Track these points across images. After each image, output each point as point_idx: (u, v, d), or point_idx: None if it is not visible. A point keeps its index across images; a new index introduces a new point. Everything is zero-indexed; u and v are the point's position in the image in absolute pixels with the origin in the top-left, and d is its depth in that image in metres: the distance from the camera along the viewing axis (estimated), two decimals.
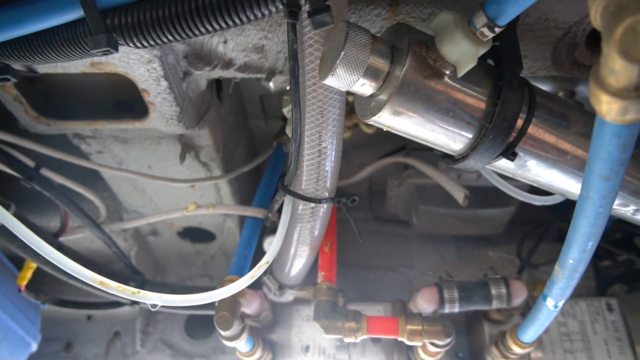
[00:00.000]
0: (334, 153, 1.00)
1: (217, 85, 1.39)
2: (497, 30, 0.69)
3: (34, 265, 1.35)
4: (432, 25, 0.74)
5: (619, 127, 0.52)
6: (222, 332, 1.17)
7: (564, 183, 0.90)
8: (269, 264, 1.12)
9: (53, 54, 0.80)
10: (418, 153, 1.68)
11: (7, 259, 1.57)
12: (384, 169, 1.67)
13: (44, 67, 1.04)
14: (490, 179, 1.31)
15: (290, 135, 1.24)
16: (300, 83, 0.87)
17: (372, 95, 0.79)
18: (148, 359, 1.96)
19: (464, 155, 0.85)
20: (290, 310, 1.57)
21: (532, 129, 0.82)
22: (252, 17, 0.68)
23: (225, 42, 1.03)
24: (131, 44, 0.74)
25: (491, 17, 0.67)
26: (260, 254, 1.30)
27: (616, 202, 0.88)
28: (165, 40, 0.73)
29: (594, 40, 1.00)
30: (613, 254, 1.76)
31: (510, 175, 0.93)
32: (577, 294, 1.34)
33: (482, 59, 0.76)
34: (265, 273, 1.29)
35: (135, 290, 0.97)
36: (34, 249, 0.94)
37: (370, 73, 0.75)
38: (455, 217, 1.80)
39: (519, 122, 0.80)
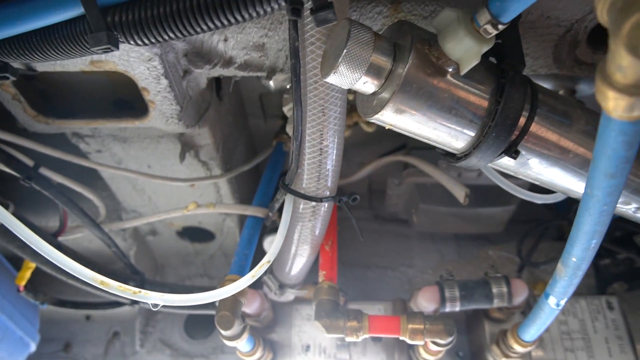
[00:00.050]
0: (335, 151, 1.00)
1: (217, 83, 1.38)
2: (500, 27, 0.68)
3: (32, 265, 1.34)
4: (435, 22, 0.73)
5: (625, 124, 0.52)
6: (223, 332, 1.16)
7: (566, 181, 0.90)
8: (270, 263, 1.12)
9: (52, 52, 0.80)
10: (418, 152, 1.68)
11: (5, 259, 1.56)
12: (383, 167, 1.67)
13: (42, 66, 1.04)
14: (491, 177, 1.31)
15: (290, 134, 1.24)
16: (301, 81, 0.86)
17: (374, 93, 0.79)
18: (147, 359, 1.95)
19: (466, 154, 0.84)
20: (291, 309, 1.56)
21: (534, 127, 0.82)
22: (254, 14, 0.68)
23: (225, 40, 1.03)
24: (132, 42, 0.74)
25: (495, 14, 0.67)
26: (259, 253, 1.30)
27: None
28: (167, 37, 0.73)
29: (595, 38, 1.00)
30: (613, 252, 1.76)
31: (512, 174, 0.93)
32: (577, 292, 1.34)
33: (484, 56, 0.76)
34: (265, 272, 1.28)
35: (137, 289, 0.96)
36: (34, 248, 0.93)
37: (373, 71, 0.74)
38: (456, 216, 1.79)
39: (522, 120, 0.80)
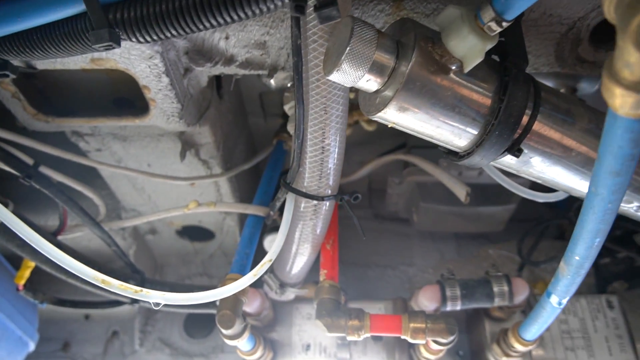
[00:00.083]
0: (337, 150, 0.99)
1: (217, 82, 1.38)
2: (504, 24, 0.68)
3: (32, 264, 1.33)
4: (438, 20, 0.73)
5: (632, 121, 0.52)
6: (224, 331, 1.16)
7: (568, 180, 0.90)
8: (272, 261, 1.11)
9: (53, 49, 0.79)
10: (419, 150, 1.67)
11: (4, 258, 1.55)
12: (383, 166, 1.67)
13: (43, 63, 1.03)
14: (493, 176, 1.31)
15: (292, 132, 1.24)
16: (303, 79, 0.86)
17: (377, 91, 0.78)
18: (147, 359, 1.95)
19: (469, 152, 0.84)
20: (291, 308, 1.56)
21: (537, 126, 0.82)
22: (257, 11, 0.67)
23: (227, 38, 1.02)
24: (134, 39, 0.73)
25: (499, 12, 0.67)
26: (259, 252, 1.29)
27: None
28: (169, 35, 0.72)
29: (597, 36, 1.00)
30: (613, 251, 1.76)
31: (514, 172, 0.93)
32: (577, 291, 1.34)
33: (487, 54, 0.75)
34: (266, 271, 1.28)
35: (138, 288, 0.96)
36: (35, 247, 0.93)
37: (376, 69, 0.74)
38: (456, 215, 1.79)
39: (524, 119, 0.79)
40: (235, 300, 1.14)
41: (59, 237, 1.35)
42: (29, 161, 1.19)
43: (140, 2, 0.71)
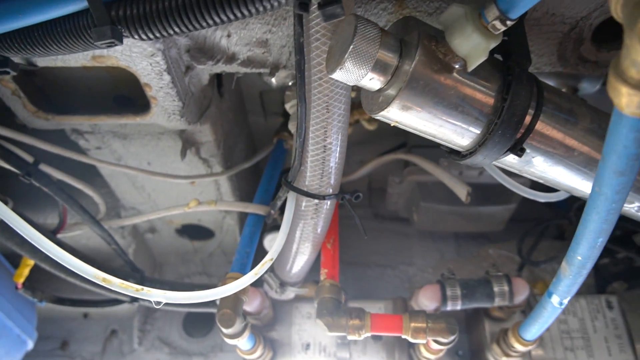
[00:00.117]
0: (338, 149, 0.99)
1: (218, 80, 1.37)
2: (509, 23, 0.68)
3: (31, 262, 1.33)
4: (442, 18, 0.73)
5: (637, 120, 0.52)
6: (224, 330, 1.15)
7: (570, 180, 0.90)
8: (273, 260, 1.11)
9: (55, 47, 0.79)
10: (419, 150, 1.67)
11: (2, 257, 1.55)
12: (384, 166, 1.66)
13: (43, 61, 1.03)
14: (495, 176, 1.31)
15: (293, 131, 1.23)
16: (305, 77, 0.85)
17: (380, 90, 0.78)
18: (146, 357, 1.94)
19: (471, 151, 0.84)
20: (291, 307, 1.56)
21: (539, 125, 0.81)
22: (260, 8, 0.67)
23: (228, 35, 1.02)
24: (136, 36, 0.73)
25: (503, 10, 0.66)
26: (258, 252, 1.29)
27: None
28: (172, 32, 0.72)
29: (600, 36, 1.00)
30: (612, 252, 1.76)
31: (516, 172, 0.92)
32: (577, 291, 1.35)
33: (490, 53, 0.75)
34: (266, 270, 1.28)
35: (139, 287, 0.95)
36: (36, 245, 0.92)
37: (379, 67, 0.74)
38: (457, 215, 1.79)
39: (527, 118, 0.79)
40: (235, 299, 1.14)
41: (58, 236, 1.35)
42: (29, 159, 1.18)
43: None
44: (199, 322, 2.01)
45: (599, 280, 1.80)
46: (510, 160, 0.86)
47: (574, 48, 1.01)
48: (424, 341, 1.22)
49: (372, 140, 1.87)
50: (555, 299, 0.99)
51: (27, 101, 1.16)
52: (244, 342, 1.27)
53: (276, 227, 1.38)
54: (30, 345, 1.63)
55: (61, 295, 1.52)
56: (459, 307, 1.34)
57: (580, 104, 0.87)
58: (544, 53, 1.04)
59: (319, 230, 1.17)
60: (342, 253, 1.35)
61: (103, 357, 1.96)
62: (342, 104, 0.91)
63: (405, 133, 1.73)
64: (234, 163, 1.60)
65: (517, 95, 0.77)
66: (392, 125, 0.82)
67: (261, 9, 0.67)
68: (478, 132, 0.80)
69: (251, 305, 1.34)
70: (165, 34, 0.73)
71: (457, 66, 0.74)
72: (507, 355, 1.35)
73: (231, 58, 1.06)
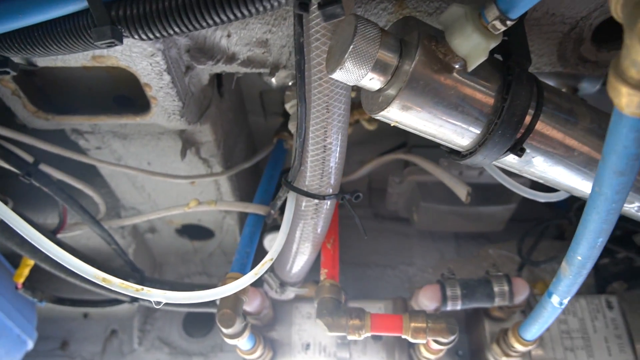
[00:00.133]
0: (338, 149, 0.99)
1: (218, 80, 1.37)
2: (509, 23, 0.68)
3: (31, 262, 1.33)
4: (442, 18, 0.73)
5: (637, 120, 0.52)
6: (224, 330, 1.15)
7: (570, 180, 0.90)
8: (273, 260, 1.11)
9: (55, 46, 0.79)
10: (419, 150, 1.67)
11: (2, 257, 1.55)
12: (383, 166, 1.66)
13: (43, 61, 1.03)
14: (494, 176, 1.31)
15: (293, 131, 1.23)
16: (305, 77, 0.85)
17: (380, 90, 0.78)
18: (146, 357, 1.94)
19: (471, 151, 0.84)
20: (291, 307, 1.56)
21: (539, 125, 0.81)
22: (261, 8, 0.67)
23: (228, 35, 1.02)
24: (136, 36, 0.73)
25: (503, 10, 0.67)
26: (258, 252, 1.29)
27: None
28: (172, 32, 0.72)
29: (599, 36, 1.00)
30: (612, 252, 1.76)
31: (516, 172, 0.92)
32: (577, 291, 1.35)
33: (490, 53, 0.75)
34: (266, 270, 1.28)
35: (139, 287, 0.95)
36: (36, 245, 0.92)
37: (379, 67, 0.74)
38: (457, 215, 1.79)
39: (527, 118, 0.79)
40: (235, 299, 1.14)
41: (58, 236, 1.35)
42: (29, 159, 1.18)
43: None
44: (199, 322, 2.01)
45: (599, 280, 1.80)
46: (510, 160, 0.86)
47: (574, 48, 1.01)
48: (424, 341, 1.22)
49: (372, 140, 1.87)
50: (555, 299, 0.99)
51: (27, 101, 1.16)
52: (244, 342, 1.27)
53: (276, 227, 1.38)
54: (30, 345, 1.63)
55: (61, 295, 1.52)
56: (459, 307, 1.34)
57: (580, 104, 0.87)
58: (544, 53, 1.04)
59: (319, 230, 1.17)
60: (342, 253, 1.35)
61: (103, 357, 1.96)
62: (342, 104, 0.91)
63: (405, 133, 1.73)
64: (234, 163, 1.60)
65: (517, 95, 0.77)
66: (392, 125, 0.82)
67: (261, 9, 0.67)
68: (478, 132, 0.80)
69: (251, 305, 1.34)
70: (165, 34, 0.73)
71: (457, 66, 0.74)
72: (507, 355, 1.35)
73: (231, 58, 1.06)
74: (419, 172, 1.71)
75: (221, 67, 1.09)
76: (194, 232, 1.97)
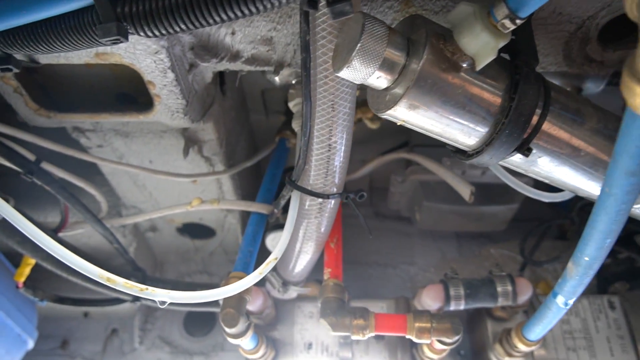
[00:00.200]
0: (343, 148, 0.98)
1: (221, 78, 1.36)
2: (518, 22, 0.67)
3: (32, 261, 1.32)
4: (450, 17, 0.72)
5: None
6: (227, 330, 1.15)
7: (576, 180, 0.89)
8: (277, 260, 1.10)
9: (59, 44, 0.78)
10: (421, 149, 1.67)
11: (3, 256, 1.54)
12: (385, 165, 1.66)
13: (46, 58, 1.02)
14: (499, 175, 1.30)
15: (297, 129, 1.23)
16: (311, 76, 0.85)
17: (387, 89, 0.77)
18: (146, 356, 1.94)
19: (478, 151, 0.83)
20: (293, 307, 1.55)
21: (546, 125, 0.81)
22: (268, 5, 0.66)
23: (233, 33, 1.01)
24: (142, 33, 0.72)
25: (513, 9, 0.66)
26: (259, 251, 1.28)
27: None
28: (177, 29, 0.71)
29: (606, 36, 0.99)
30: (614, 252, 1.75)
31: (522, 172, 0.92)
32: None
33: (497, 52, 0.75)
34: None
35: (143, 286, 0.95)
36: (39, 244, 0.92)
37: (386, 66, 0.73)
38: (459, 214, 1.79)
39: (534, 118, 0.79)
40: (239, 299, 1.13)
41: (60, 234, 1.34)
42: (31, 157, 1.17)
43: None
44: (200, 321, 2.00)
45: (601, 281, 1.80)
46: (516, 160, 0.86)
47: (580, 47, 1.01)
48: (428, 341, 1.21)
49: (374, 139, 1.87)
50: (560, 300, 0.98)
51: (28, 99, 1.15)
52: (247, 342, 1.26)
53: (278, 226, 1.38)
54: (30, 344, 1.63)
55: (62, 294, 1.51)
56: (462, 307, 1.33)
57: (586, 104, 0.87)
58: (550, 52, 1.03)
59: (322, 229, 1.16)
60: (344, 252, 1.34)
61: (104, 356, 1.95)
62: (348, 103, 0.91)
63: (408, 132, 1.73)
64: (236, 162, 1.60)
65: (525, 95, 0.76)
66: (398, 124, 0.82)
67: (268, 6, 0.67)
68: (485, 131, 0.80)
69: (254, 304, 1.34)
70: (171, 31, 0.72)
71: (465, 65, 0.73)
72: (510, 355, 1.34)
73: (235, 56, 1.06)
74: (422, 172, 1.71)
75: (225, 65, 1.08)
76: (195, 231, 1.97)
